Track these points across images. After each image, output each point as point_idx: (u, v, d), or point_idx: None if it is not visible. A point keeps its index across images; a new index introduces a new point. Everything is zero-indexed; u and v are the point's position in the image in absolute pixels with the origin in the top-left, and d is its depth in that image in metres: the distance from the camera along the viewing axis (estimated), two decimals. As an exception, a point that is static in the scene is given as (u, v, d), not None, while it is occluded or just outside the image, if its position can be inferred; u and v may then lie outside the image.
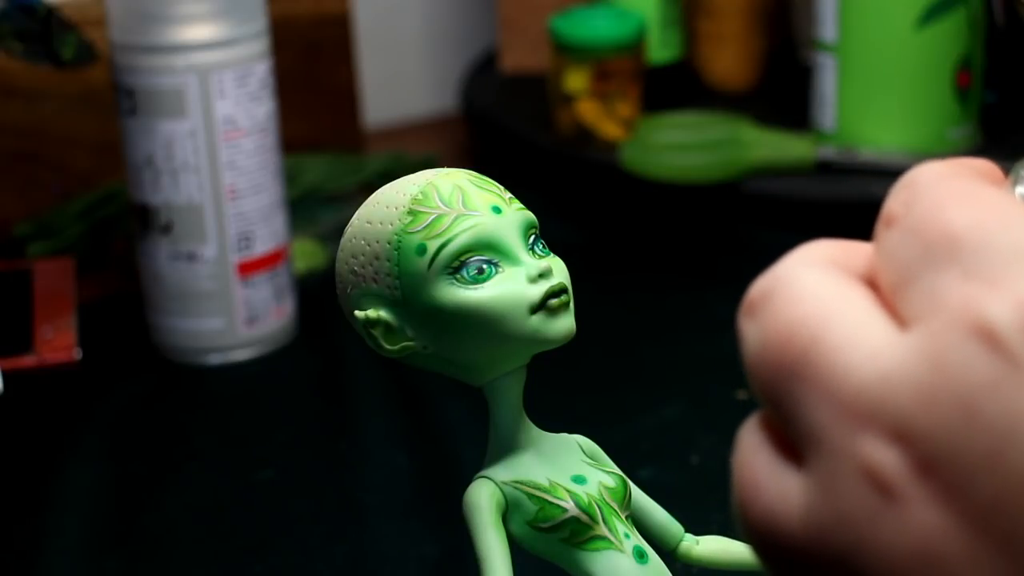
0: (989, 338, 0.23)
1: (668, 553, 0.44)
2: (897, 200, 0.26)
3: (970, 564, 0.23)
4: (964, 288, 0.24)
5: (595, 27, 0.95)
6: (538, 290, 0.40)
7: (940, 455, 0.23)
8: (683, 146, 0.90)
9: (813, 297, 0.26)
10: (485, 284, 0.39)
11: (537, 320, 0.40)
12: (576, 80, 0.96)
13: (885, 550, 0.24)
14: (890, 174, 0.89)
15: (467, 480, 0.42)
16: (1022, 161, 0.29)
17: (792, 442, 0.26)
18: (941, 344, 0.24)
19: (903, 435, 0.24)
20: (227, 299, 0.76)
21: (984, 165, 0.27)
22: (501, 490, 0.41)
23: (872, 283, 0.26)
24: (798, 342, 0.25)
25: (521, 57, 1.12)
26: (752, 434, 0.27)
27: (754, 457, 0.27)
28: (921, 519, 0.24)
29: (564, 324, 0.40)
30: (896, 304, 0.25)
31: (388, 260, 0.40)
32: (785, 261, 0.27)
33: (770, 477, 0.26)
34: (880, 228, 0.27)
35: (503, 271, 0.40)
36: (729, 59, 1.08)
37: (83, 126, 0.93)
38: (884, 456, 0.24)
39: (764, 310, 0.26)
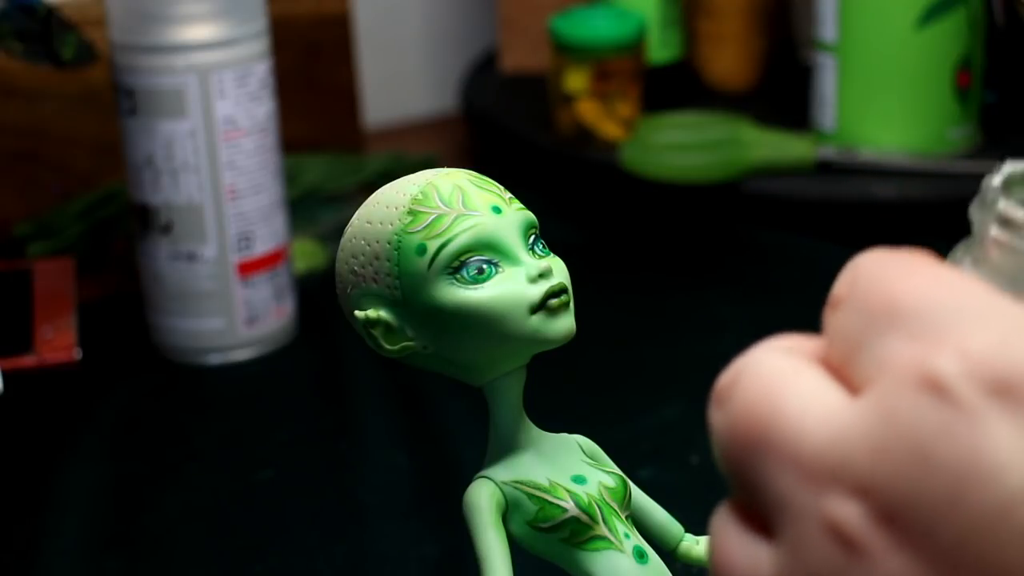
0: (937, 388, 0.24)
1: (668, 553, 0.44)
2: (842, 284, 0.28)
3: None
4: (909, 348, 0.25)
5: (595, 27, 0.95)
6: (538, 290, 0.39)
7: (899, 503, 0.24)
8: (683, 146, 0.90)
9: (770, 376, 0.27)
10: (485, 284, 0.39)
11: (537, 320, 0.40)
12: (576, 80, 0.96)
13: None
14: (890, 174, 0.90)
15: (467, 480, 0.42)
16: (959, 247, 0.30)
17: (762, 517, 0.27)
18: (891, 400, 0.25)
19: (862, 489, 0.25)
20: (227, 299, 0.76)
21: (923, 253, 0.28)
22: (501, 490, 0.41)
23: (827, 365, 0.28)
24: (759, 417, 0.27)
25: (521, 57, 1.12)
26: (723, 517, 0.28)
27: (726, 536, 0.28)
28: (888, 568, 0.25)
29: (564, 324, 0.40)
30: (848, 376, 0.27)
31: (388, 260, 0.40)
32: (745, 354, 0.28)
33: (742, 552, 0.27)
34: (828, 312, 0.28)
35: (503, 271, 0.40)
36: (729, 59, 1.08)
37: (83, 126, 0.93)
38: (845, 511, 0.25)
39: (729, 397, 0.28)
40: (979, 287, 0.26)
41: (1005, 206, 0.38)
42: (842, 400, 0.26)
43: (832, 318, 0.28)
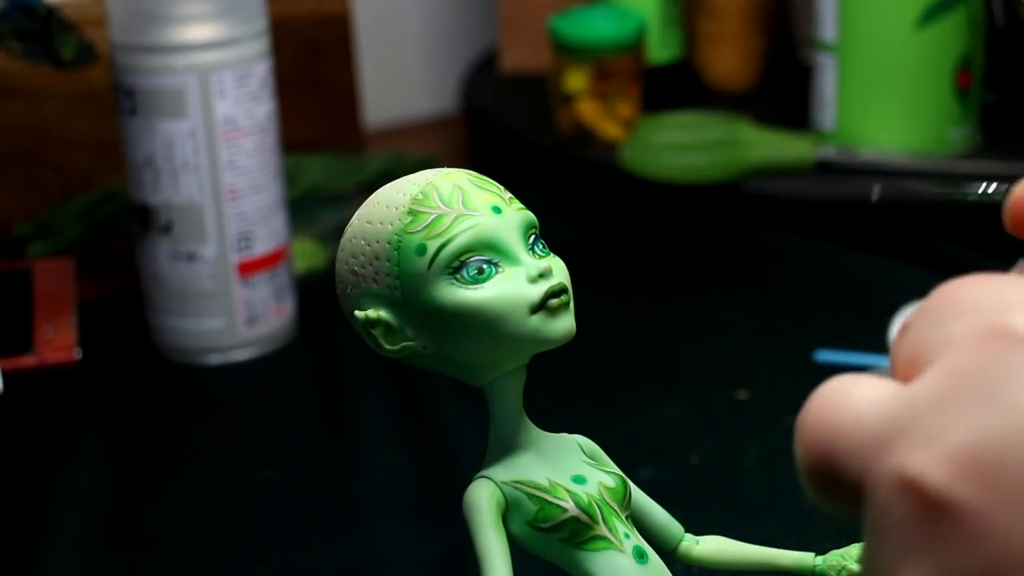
0: (1004, 335, 0.25)
1: (668, 553, 0.44)
2: (910, 315, 0.29)
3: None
4: (974, 322, 0.26)
5: (595, 27, 0.95)
6: (538, 290, 0.39)
7: (969, 444, 0.24)
8: (683, 146, 0.90)
9: (830, 391, 0.28)
10: (485, 284, 0.39)
11: (537, 320, 0.39)
12: (576, 80, 0.96)
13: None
14: (890, 174, 0.90)
15: (467, 480, 0.42)
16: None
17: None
18: (957, 359, 0.26)
19: (927, 438, 0.25)
20: (227, 299, 0.76)
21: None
22: (501, 490, 0.41)
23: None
24: (825, 425, 0.28)
25: (521, 57, 1.12)
26: None
27: None
28: (966, 509, 0.25)
29: (564, 324, 0.40)
30: (912, 375, 0.27)
31: (388, 260, 0.40)
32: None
33: None
34: (897, 340, 0.29)
35: (503, 271, 0.40)
36: (729, 59, 1.08)
37: (83, 126, 0.93)
38: (913, 460, 0.25)
39: (801, 426, 0.28)
40: None
41: None
42: (900, 388, 0.27)
43: (900, 341, 0.29)
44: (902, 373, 0.28)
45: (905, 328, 0.29)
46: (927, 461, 0.25)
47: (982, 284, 0.27)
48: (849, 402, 0.27)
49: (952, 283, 0.28)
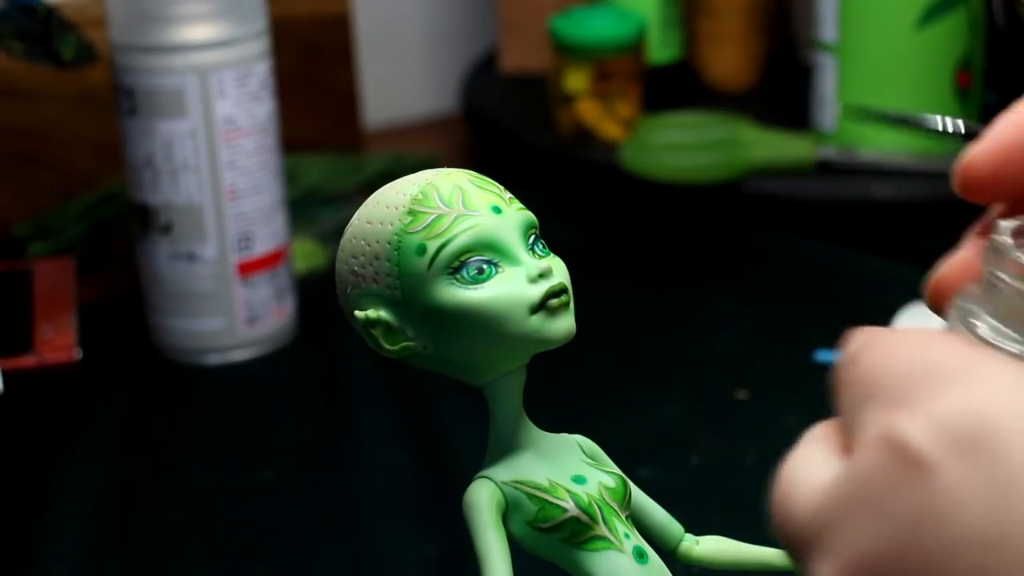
0: (893, 445, 0.27)
1: (668, 553, 0.44)
2: (840, 368, 0.31)
3: None
4: (879, 416, 0.28)
5: (595, 27, 0.95)
6: (538, 290, 0.39)
7: (861, 557, 0.27)
8: (683, 146, 0.90)
9: (789, 467, 0.30)
10: (485, 284, 0.39)
11: (537, 320, 0.39)
12: (576, 80, 0.96)
13: None
14: (890, 174, 0.90)
15: (467, 480, 0.42)
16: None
17: None
18: (858, 463, 0.28)
19: (834, 549, 0.27)
20: (227, 299, 0.76)
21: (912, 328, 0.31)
22: (501, 490, 0.41)
23: (842, 439, 0.31)
24: (778, 505, 0.30)
25: (521, 57, 1.12)
26: None
27: None
28: None
29: (564, 324, 0.40)
30: (849, 444, 0.30)
31: (388, 260, 0.40)
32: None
33: None
34: (837, 391, 0.31)
35: (503, 271, 0.40)
36: (729, 59, 1.08)
37: (83, 126, 0.93)
38: (822, 573, 0.27)
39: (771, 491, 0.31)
40: (952, 349, 0.28)
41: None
42: (832, 479, 0.29)
43: (840, 399, 0.31)
44: (842, 437, 0.30)
45: (839, 388, 0.30)
46: (833, 571, 0.27)
47: (902, 353, 0.29)
48: (795, 489, 0.29)
49: (877, 341, 0.30)
